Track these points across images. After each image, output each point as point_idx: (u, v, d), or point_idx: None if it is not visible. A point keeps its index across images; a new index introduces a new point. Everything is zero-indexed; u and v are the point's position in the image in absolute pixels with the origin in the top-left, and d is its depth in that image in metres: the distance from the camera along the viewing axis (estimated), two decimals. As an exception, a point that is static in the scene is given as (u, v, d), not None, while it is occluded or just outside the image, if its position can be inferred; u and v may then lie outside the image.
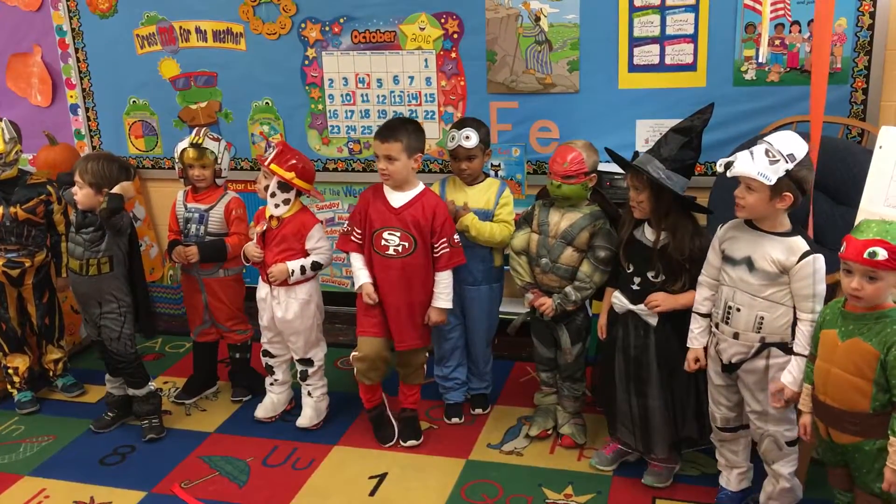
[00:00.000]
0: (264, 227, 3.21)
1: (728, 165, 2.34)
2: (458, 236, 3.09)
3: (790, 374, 2.35)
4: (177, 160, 3.46)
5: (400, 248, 3.02)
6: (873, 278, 2.06)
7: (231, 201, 3.46)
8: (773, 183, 2.28)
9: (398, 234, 3.02)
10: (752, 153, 2.31)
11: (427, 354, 3.28)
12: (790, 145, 2.32)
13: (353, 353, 3.15)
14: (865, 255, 2.04)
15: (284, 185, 3.13)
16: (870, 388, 2.09)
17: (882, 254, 2.02)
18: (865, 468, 2.16)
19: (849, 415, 2.15)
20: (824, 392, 2.20)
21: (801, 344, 2.34)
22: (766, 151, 2.30)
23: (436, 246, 3.05)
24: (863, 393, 2.10)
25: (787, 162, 2.29)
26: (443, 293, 3.10)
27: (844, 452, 2.20)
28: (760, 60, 3.40)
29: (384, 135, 2.99)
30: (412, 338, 3.13)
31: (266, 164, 3.12)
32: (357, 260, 3.12)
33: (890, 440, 2.05)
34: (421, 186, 3.10)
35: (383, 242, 3.04)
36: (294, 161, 3.13)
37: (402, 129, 3.01)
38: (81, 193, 3.15)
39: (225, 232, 3.45)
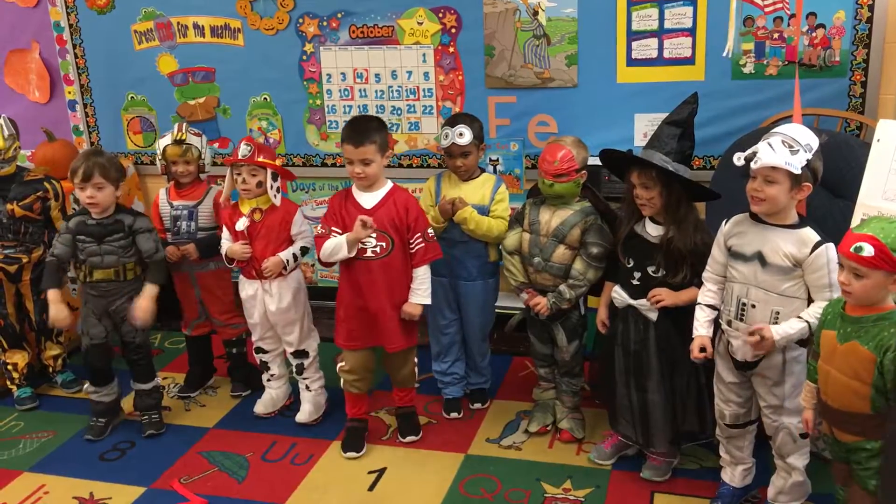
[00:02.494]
0: (247, 224, 3.19)
1: (750, 158, 2.29)
2: (432, 231, 3.06)
3: (781, 328, 2.32)
4: (159, 157, 3.46)
5: (378, 249, 2.98)
6: (859, 275, 2.01)
7: (218, 193, 3.44)
8: (799, 173, 2.27)
9: (374, 234, 2.97)
10: (770, 145, 2.28)
11: (416, 359, 3.23)
12: (805, 135, 2.31)
13: (340, 364, 3.14)
14: (851, 250, 2.01)
15: (275, 175, 3.15)
16: (868, 391, 2.05)
17: (868, 250, 1.97)
18: (864, 465, 2.14)
19: (850, 416, 2.13)
20: (825, 393, 2.18)
21: (811, 313, 2.31)
22: (784, 142, 2.28)
23: (411, 242, 3.02)
24: (861, 396, 2.07)
25: (806, 152, 2.28)
26: (419, 289, 3.05)
27: (847, 450, 2.19)
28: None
29: (357, 139, 2.91)
30: (400, 339, 3.08)
31: (252, 160, 3.10)
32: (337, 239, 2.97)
33: None
34: (389, 184, 3.06)
35: (360, 246, 2.98)
36: (269, 153, 3.19)
37: (372, 129, 2.95)
38: (104, 194, 3.12)
39: (215, 225, 3.45)
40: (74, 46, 4.42)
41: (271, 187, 3.14)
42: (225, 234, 3.28)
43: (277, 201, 3.18)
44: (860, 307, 2.07)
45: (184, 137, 3.38)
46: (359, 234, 2.90)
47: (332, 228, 3.00)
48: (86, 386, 3.42)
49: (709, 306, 2.58)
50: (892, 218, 2.07)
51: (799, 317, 2.34)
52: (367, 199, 3.02)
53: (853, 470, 2.20)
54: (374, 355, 3.16)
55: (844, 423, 2.15)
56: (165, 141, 3.43)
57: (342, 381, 3.17)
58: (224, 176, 3.71)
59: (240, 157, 3.13)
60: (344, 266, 3.04)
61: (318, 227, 3.08)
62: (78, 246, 3.19)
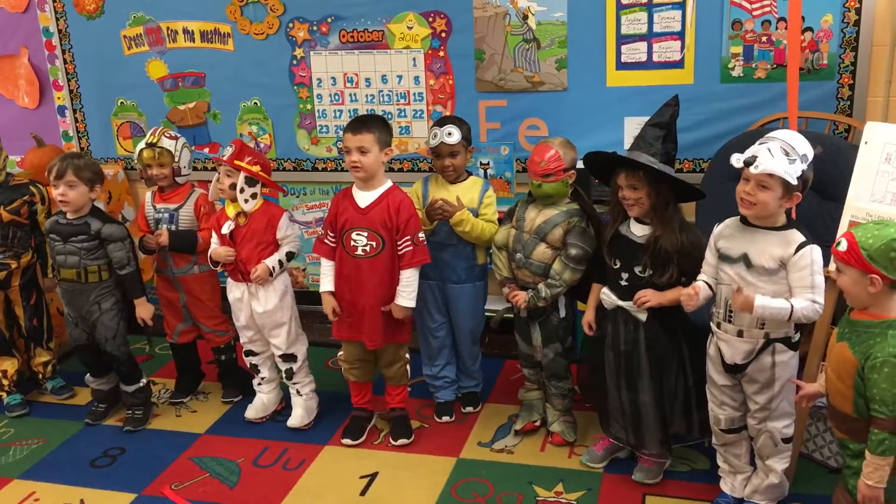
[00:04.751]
0: (231, 227, 3.20)
1: (750, 162, 2.28)
2: (423, 235, 3.06)
3: (764, 298, 2.30)
4: (136, 161, 3.47)
5: (368, 248, 3.01)
6: (839, 270, 2.08)
7: (199, 198, 3.46)
8: (795, 183, 2.28)
9: (365, 234, 3.01)
10: (769, 150, 2.28)
11: (408, 355, 3.27)
12: (802, 145, 2.32)
13: (340, 354, 3.21)
14: (835, 245, 2.07)
15: (251, 180, 3.16)
16: (851, 394, 2.08)
17: (843, 245, 2.04)
18: (847, 463, 2.17)
19: (838, 413, 2.16)
20: (826, 387, 2.22)
21: (797, 301, 2.30)
22: (782, 149, 2.28)
23: (399, 243, 3.02)
24: (845, 397, 2.10)
25: (801, 162, 2.30)
26: (405, 290, 3.04)
27: (839, 444, 2.23)
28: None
29: (356, 127, 2.98)
30: (382, 336, 3.10)
31: (229, 160, 3.13)
32: (326, 266, 3.12)
33: (866, 455, 2.05)
34: (389, 183, 3.09)
35: (352, 243, 3.02)
36: (253, 157, 3.19)
37: (373, 121, 3.02)
38: (75, 192, 3.18)
39: (196, 229, 3.45)
40: (64, 52, 4.41)
41: (241, 191, 3.15)
42: (214, 237, 3.28)
43: (247, 207, 3.18)
44: (860, 312, 2.10)
45: (156, 141, 3.38)
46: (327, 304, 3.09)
47: (328, 234, 3.09)
48: (86, 377, 3.50)
49: (704, 282, 2.55)
50: (889, 223, 2.07)
51: (786, 299, 2.33)
52: (364, 198, 3.05)
53: (843, 469, 2.23)
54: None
55: (834, 420, 2.20)
56: (140, 145, 3.44)
57: (342, 369, 3.25)
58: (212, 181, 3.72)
59: (222, 157, 3.17)
60: (336, 262, 3.08)
61: (320, 230, 3.13)
62: (50, 243, 3.30)
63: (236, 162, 3.13)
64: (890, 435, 1.99)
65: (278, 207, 3.33)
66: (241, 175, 3.13)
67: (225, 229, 3.21)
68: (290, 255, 3.26)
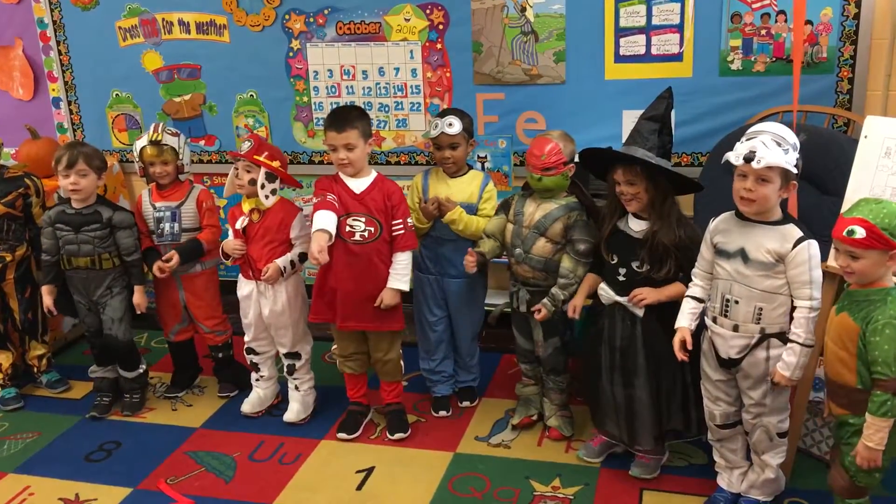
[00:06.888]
0: (245, 222, 3.18)
1: (750, 158, 2.25)
2: (411, 220, 3.07)
3: (783, 361, 2.37)
4: (136, 159, 3.43)
5: (366, 234, 3.00)
6: (855, 256, 2.10)
7: (201, 193, 3.44)
8: (797, 172, 2.29)
9: (363, 219, 3.00)
10: (765, 144, 2.26)
11: (401, 351, 3.25)
12: (790, 134, 2.32)
13: (334, 347, 3.21)
14: (844, 233, 2.09)
15: (271, 176, 3.13)
16: (853, 363, 2.13)
17: (860, 232, 2.06)
18: (846, 440, 2.21)
19: (839, 387, 2.19)
20: (825, 364, 2.26)
21: (797, 332, 2.34)
22: (775, 142, 2.27)
23: (393, 226, 3.03)
24: (848, 367, 2.15)
25: (794, 151, 2.30)
26: (399, 273, 3.03)
27: (838, 425, 2.25)
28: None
29: (340, 125, 2.96)
30: (380, 320, 3.08)
31: (249, 155, 3.10)
32: (327, 216, 2.91)
33: (867, 418, 2.10)
34: (375, 173, 3.09)
35: (348, 229, 3.00)
36: (271, 152, 3.16)
37: (354, 116, 3.01)
38: (87, 181, 3.23)
39: (199, 227, 3.43)
40: (58, 43, 4.38)
41: (262, 187, 3.11)
42: (230, 231, 3.27)
43: (267, 203, 3.15)
44: (860, 284, 2.15)
45: (159, 138, 3.35)
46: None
47: (328, 194, 2.97)
48: (91, 368, 3.55)
49: (694, 298, 2.57)
50: (879, 199, 2.16)
51: (790, 341, 2.35)
52: (357, 185, 3.04)
53: (839, 448, 2.26)
54: (362, 336, 3.17)
55: (835, 395, 2.23)
56: (142, 142, 3.39)
57: (338, 361, 3.25)
58: (209, 174, 3.70)
59: (240, 151, 3.14)
60: (332, 250, 3.00)
61: (314, 197, 3.03)
62: (56, 234, 3.30)
63: (256, 157, 3.09)
64: (892, 396, 2.05)
65: (294, 206, 3.27)
66: (262, 170, 3.10)
67: (239, 224, 3.19)
68: (304, 257, 3.20)
